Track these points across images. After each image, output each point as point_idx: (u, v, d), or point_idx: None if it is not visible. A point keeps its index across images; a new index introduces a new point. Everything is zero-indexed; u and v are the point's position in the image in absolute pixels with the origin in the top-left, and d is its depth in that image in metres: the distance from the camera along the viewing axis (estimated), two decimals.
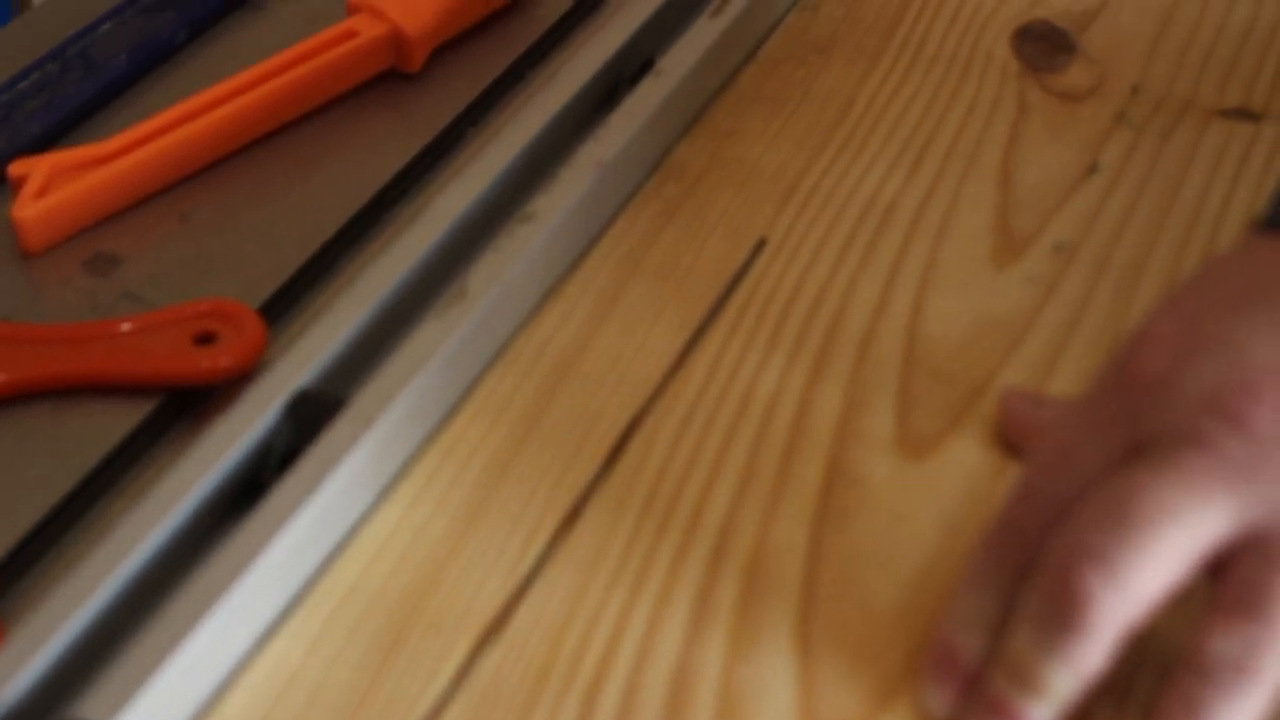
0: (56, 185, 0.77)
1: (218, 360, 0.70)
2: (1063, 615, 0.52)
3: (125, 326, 0.71)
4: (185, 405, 0.70)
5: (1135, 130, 0.84)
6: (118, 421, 0.68)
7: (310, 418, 0.65)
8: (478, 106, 0.86)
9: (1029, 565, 0.55)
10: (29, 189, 0.77)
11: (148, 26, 0.88)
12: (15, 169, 0.78)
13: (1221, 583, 0.53)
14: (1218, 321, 0.56)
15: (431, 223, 0.74)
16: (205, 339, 0.70)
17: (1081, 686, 0.53)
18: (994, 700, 0.54)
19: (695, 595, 0.61)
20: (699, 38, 0.85)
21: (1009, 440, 0.67)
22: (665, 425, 0.68)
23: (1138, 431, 0.55)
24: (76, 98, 0.84)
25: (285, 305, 0.75)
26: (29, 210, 0.76)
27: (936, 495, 0.65)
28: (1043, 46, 0.90)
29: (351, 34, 0.85)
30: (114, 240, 0.78)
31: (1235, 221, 0.77)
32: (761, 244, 0.77)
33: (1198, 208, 0.79)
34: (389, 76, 0.87)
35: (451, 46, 0.89)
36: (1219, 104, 0.85)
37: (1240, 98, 0.85)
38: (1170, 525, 0.52)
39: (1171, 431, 0.54)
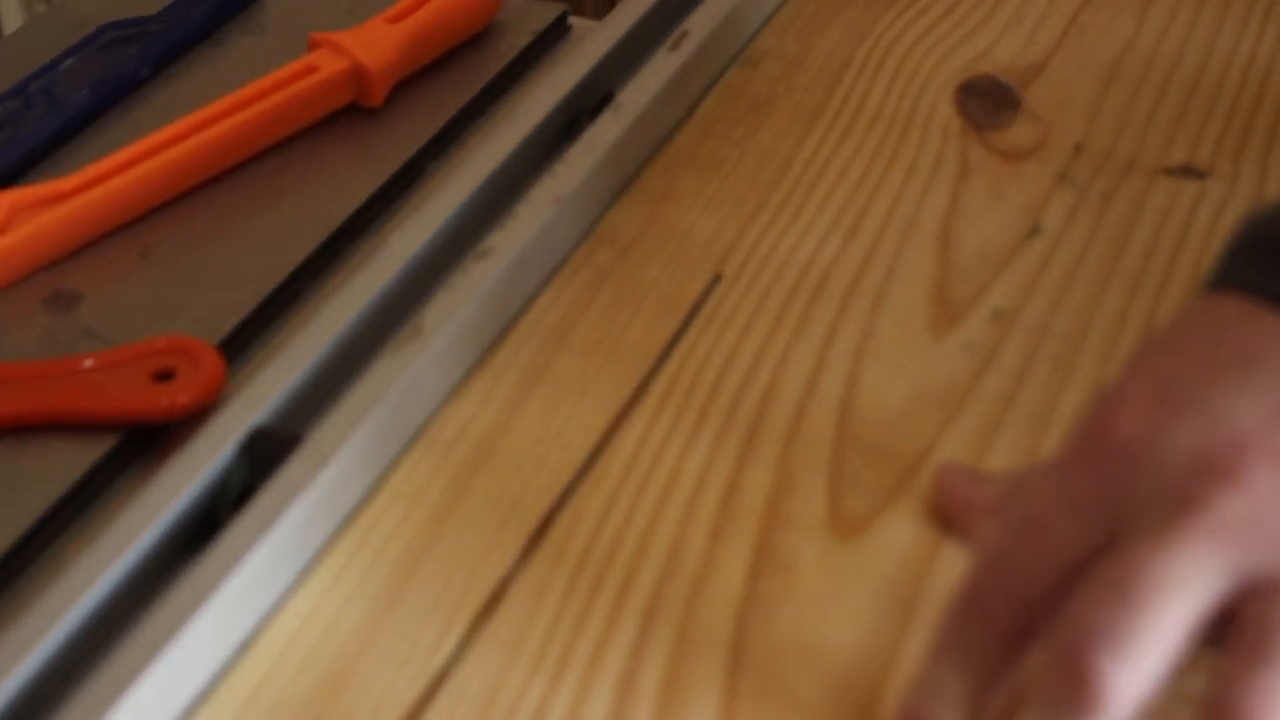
0: (17, 222, 0.75)
1: (176, 397, 0.67)
2: (1076, 698, 0.48)
3: (84, 364, 0.68)
4: (145, 442, 0.67)
5: (1078, 190, 0.78)
6: (77, 458, 0.65)
7: (266, 455, 0.62)
8: (440, 140, 0.83)
9: (999, 636, 0.52)
10: None
11: (110, 62, 0.86)
12: None
13: (1234, 633, 0.50)
14: (1192, 385, 0.53)
15: (388, 260, 0.70)
16: (164, 376, 0.68)
17: None
18: None
19: (617, 686, 0.57)
20: (658, 71, 0.81)
21: (944, 516, 0.62)
22: (589, 509, 0.63)
23: (1122, 502, 0.52)
24: (39, 134, 0.81)
25: (245, 341, 0.72)
26: None
27: (868, 579, 0.60)
28: (986, 103, 0.83)
29: (313, 69, 0.83)
30: (74, 277, 0.75)
31: (1179, 286, 0.72)
32: (714, 281, 0.71)
33: (1140, 272, 0.73)
34: (351, 111, 0.84)
35: (413, 80, 0.86)
36: (1164, 161, 0.79)
37: (1186, 155, 0.79)
38: (1175, 594, 0.49)
39: (1161, 498, 0.51)
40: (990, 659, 0.52)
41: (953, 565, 0.60)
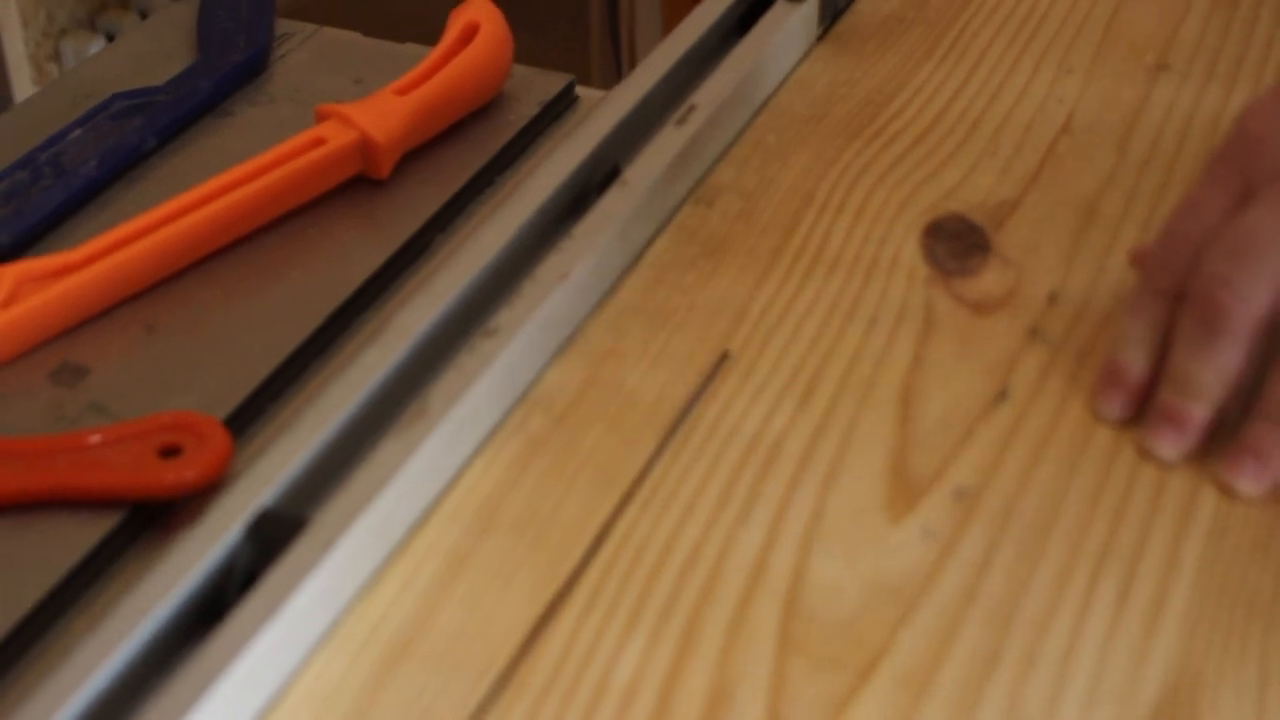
0: (23, 295, 0.68)
1: (182, 474, 0.62)
2: (1208, 328, 0.59)
3: (90, 439, 0.63)
4: (151, 518, 0.61)
5: (1051, 348, 0.65)
6: (83, 535, 0.60)
7: (272, 538, 0.56)
8: (446, 213, 0.75)
9: (1169, 291, 0.61)
10: None
11: (118, 133, 0.78)
12: None
13: None
14: None
15: (395, 339, 0.63)
16: (171, 452, 0.62)
17: (1228, 385, 0.59)
18: (1165, 408, 0.60)
19: None
20: (665, 147, 0.72)
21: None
22: None
23: (1248, 180, 0.61)
24: (45, 205, 0.74)
25: (251, 416, 0.66)
26: None
27: None
28: (954, 247, 0.70)
29: (320, 141, 0.75)
30: (81, 350, 0.68)
31: (1156, 460, 0.61)
32: (656, 453, 0.61)
33: (1116, 441, 0.61)
34: (358, 182, 0.76)
35: (421, 152, 0.78)
36: None
37: None
38: (1276, 251, 0.58)
39: (1270, 175, 0.60)
40: (1162, 309, 0.61)
41: None
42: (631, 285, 0.69)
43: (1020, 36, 0.85)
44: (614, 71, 1.60)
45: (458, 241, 0.75)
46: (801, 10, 0.83)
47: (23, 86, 1.52)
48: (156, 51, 0.87)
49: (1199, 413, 0.60)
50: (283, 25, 0.88)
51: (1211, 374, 0.59)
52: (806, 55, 0.84)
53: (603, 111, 0.76)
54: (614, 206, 0.70)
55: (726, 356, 0.66)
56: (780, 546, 0.58)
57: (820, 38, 0.86)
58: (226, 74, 0.83)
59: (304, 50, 0.87)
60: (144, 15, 1.73)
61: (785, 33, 0.82)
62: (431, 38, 0.82)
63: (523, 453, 0.62)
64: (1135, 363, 0.61)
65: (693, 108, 0.76)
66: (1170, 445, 0.60)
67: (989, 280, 0.69)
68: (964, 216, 0.72)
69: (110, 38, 1.71)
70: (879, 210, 0.73)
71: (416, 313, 0.65)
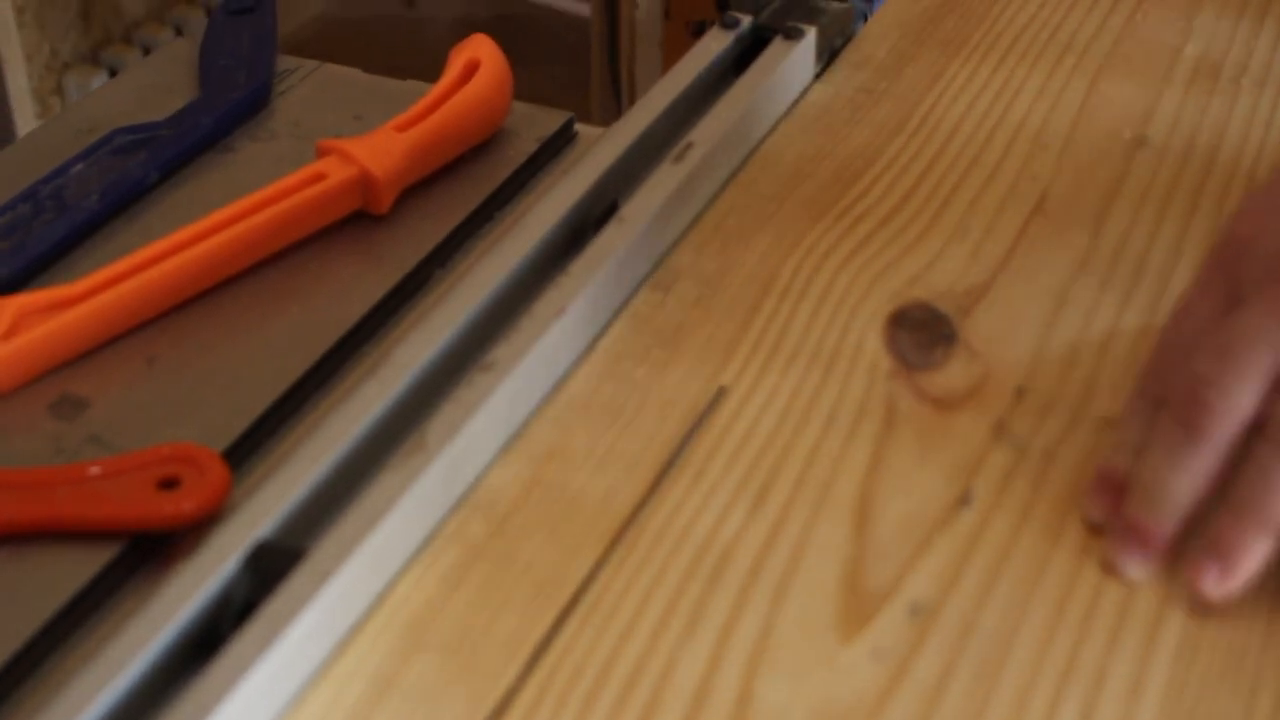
0: (24, 327, 0.66)
1: (181, 505, 0.60)
2: (1187, 429, 0.56)
3: (89, 471, 0.61)
4: (150, 550, 0.59)
5: (1017, 449, 0.61)
6: (81, 567, 0.58)
7: (269, 570, 0.55)
8: (445, 248, 0.73)
9: (1160, 396, 0.58)
10: None
11: (120, 167, 0.76)
12: None
13: None
14: None
15: (393, 373, 0.61)
16: (169, 484, 0.60)
17: (1198, 493, 0.56)
18: (1131, 523, 0.57)
19: None
20: (662, 184, 0.70)
21: None
22: None
23: (1236, 283, 0.59)
24: (47, 239, 0.71)
25: (250, 448, 0.63)
26: None
27: None
28: (919, 338, 0.66)
29: (320, 176, 0.72)
30: (81, 383, 0.66)
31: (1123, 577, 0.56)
32: (599, 562, 0.58)
33: (1081, 553, 0.57)
34: (358, 217, 0.74)
35: (420, 187, 0.75)
36: (1115, 407, 0.62)
37: None
38: (1262, 352, 0.56)
39: (1258, 277, 0.58)
40: (1154, 415, 0.58)
41: None
42: (581, 377, 0.65)
43: (994, 111, 0.79)
44: (614, 109, 1.60)
45: (456, 276, 0.72)
46: (799, 48, 0.80)
47: (25, 120, 1.53)
48: (159, 86, 0.84)
49: (1164, 527, 0.56)
50: (284, 61, 0.85)
51: (1183, 479, 0.56)
52: (775, 126, 0.81)
53: (601, 148, 0.73)
54: (611, 243, 0.68)
55: (676, 456, 0.61)
56: (726, 666, 0.53)
57: (818, 76, 0.82)
58: (228, 109, 0.80)
59: (305, 86, 0.85)
60: (147, 50, 1.73)
61: (783, 70, 0.79)
62: (432, 74, 0.80)
63: (459, 562, 0.57)
64: (1123, 465, 0.59)
65: (690, 145, 0.73)
66: (1136, 564, 0.56)
67: (954, 373, 0.64)
68: (930, 305, 0.67)
69: (113, 72, 1.71)
70: (842, 296, 0.68)
71: (414, 347, 0.63)
